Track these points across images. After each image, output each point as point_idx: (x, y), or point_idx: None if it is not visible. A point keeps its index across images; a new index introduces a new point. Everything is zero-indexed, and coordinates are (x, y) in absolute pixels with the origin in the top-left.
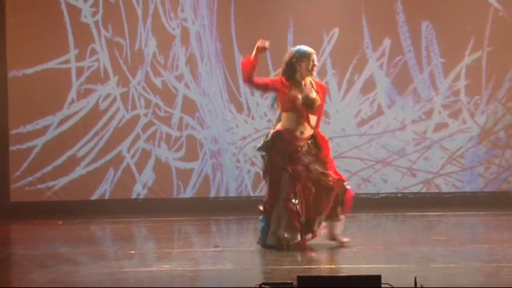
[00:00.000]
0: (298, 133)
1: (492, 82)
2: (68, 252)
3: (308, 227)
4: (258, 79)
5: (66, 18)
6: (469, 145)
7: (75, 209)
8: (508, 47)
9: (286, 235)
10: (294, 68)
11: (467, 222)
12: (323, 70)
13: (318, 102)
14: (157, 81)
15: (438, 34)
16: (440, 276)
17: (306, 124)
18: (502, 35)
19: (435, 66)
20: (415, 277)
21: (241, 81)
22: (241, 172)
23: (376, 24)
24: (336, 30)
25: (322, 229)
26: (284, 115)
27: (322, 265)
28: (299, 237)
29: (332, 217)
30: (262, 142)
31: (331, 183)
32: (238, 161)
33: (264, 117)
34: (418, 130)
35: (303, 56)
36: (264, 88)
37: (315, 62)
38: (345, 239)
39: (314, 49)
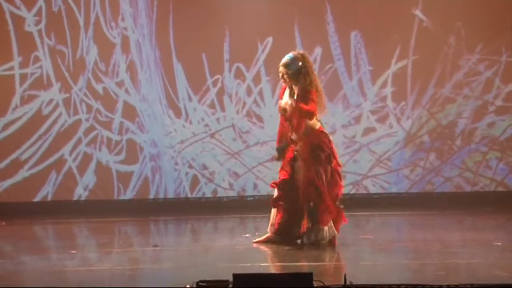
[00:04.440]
0: (293, 137)
1: (417, 89)
2: (11, 251)
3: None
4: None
5: (10, 27)
6: (395, 148)
7: (18, 210)
8: (432, 56)
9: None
10: None
11: (393, 222)
12: (258, 77)
13: (287, 109)
14: (98, 87)
15: (366, 43)
16: (368, 273)
17: (292, 129)
18: (426, 44)
19: (364, 74)
20: (345, 274)
21: (179, 87)
22: (179, 175)
23: (308, 34)
24: (270, 39)
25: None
26: None
27: (257, 263)
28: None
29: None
30: None
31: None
32: (176, 164)
33: (201, 122)
34: (347, 134)
35: None
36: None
37: (280, 70)
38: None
39: (249, 57)
